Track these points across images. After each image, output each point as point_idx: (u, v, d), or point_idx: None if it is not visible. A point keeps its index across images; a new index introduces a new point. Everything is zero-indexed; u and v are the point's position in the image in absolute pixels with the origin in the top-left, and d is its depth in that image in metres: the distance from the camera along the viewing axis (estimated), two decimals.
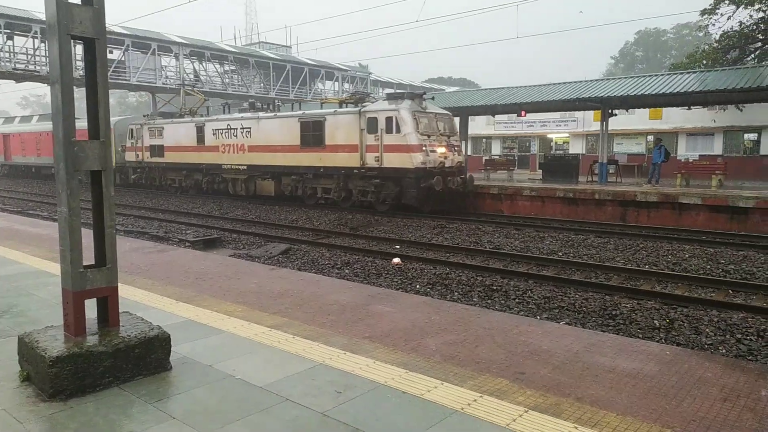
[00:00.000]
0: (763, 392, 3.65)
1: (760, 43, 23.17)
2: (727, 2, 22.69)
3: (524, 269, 9.91)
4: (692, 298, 7.89)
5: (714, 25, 24.26)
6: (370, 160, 17.43)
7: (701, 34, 33.73)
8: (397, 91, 18.91)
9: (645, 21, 69.09)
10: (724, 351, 6.06)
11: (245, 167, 21.52)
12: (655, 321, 6.99)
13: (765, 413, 3.34)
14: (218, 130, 22.58)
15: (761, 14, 22.09)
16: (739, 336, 6.44)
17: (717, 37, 24.62)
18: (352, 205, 18.65)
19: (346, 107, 19.01)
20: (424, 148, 16.70)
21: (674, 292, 8.29)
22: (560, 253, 11.27)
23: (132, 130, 27.41)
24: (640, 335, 6.53)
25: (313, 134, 18.89)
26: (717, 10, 23.20)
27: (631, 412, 3.33)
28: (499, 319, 5.40)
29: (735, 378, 3.87)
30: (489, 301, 8.01)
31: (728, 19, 23.20)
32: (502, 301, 8.01)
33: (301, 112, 19.77)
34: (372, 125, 17.34)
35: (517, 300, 8.06)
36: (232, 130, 21.90)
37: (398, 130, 16.75)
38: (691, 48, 31.02)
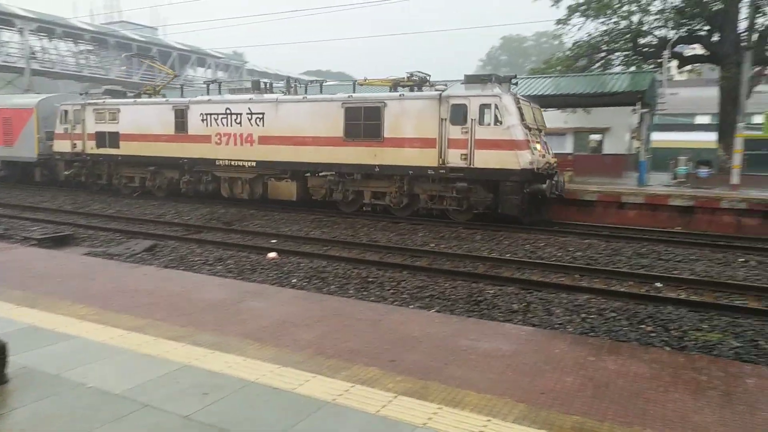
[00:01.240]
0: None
1: (604, 53, 25.99)
2: (578, 14, 25.14)
3: (399, 260, 10.23)
4: (546, 283, 8.65)
5: (567, 34, 26.77)
6: (454, 158, 13.89)
7: (556, 42, 37.07)
8: (481, 75, 14.79)
9: (510, 27, 74.53)
10: (571, 329, 6.73)
11: (253, 164, 16.82)
12: (514, 305, 7.57)
13: (602, 381, 3.76)
14: (211, 115, 17.51)
15: (605, 27, 24.79)
16: (583, 315, 7.19)
17: (570, 46, 27.20)
18: (414, 214, 15.21)
19: (397, 91, 15.29)
20: (530, 145, 13.62)
21: (531, 278, 9.05)
22: (432, 245, 11.78)
23: (65, 112, 20.92)
24: (501, 318, 7.03)
25: (365, 124, 14.99)
26: (569, 21, 25.61)
27: (489, 390, 3.57)
28: (374, 310, 5.52)
29: (578, 352, 4.31)
30: (365, 293, 8.14)
31: (578, 29, 25.72)
32: (378, 293, 8.18)
33: (345, 95, 15.76)
34: (458, 114, 13.86)
35: (392, 290, 8.28)
36: (234, 116, 17.02)
37: (497, 122, 13.51)
38: (548, 55, 33.97)
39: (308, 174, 16.45)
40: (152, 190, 19.54)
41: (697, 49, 23.36)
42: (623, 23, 22.51)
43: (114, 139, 19.71)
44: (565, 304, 7.57)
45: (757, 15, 20.66)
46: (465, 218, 14.43)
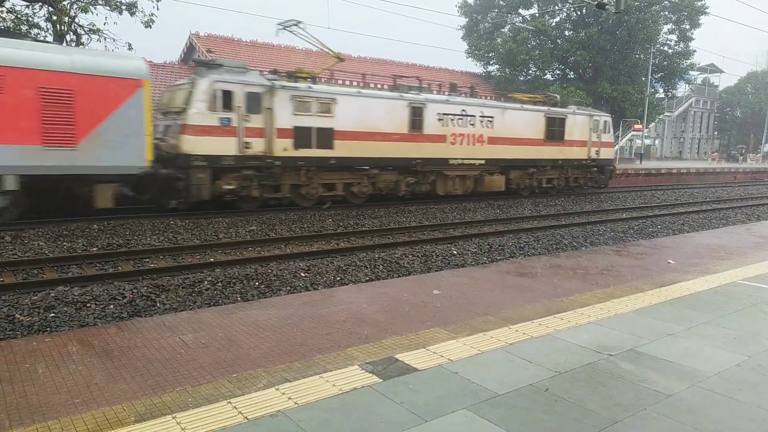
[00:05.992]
0: None
1: None
2: None
3: None
4: None
5: None
6: (593, 153, 22.95)
7: None
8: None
9: None
10: None
11: (482, 162, 19.54)
12: None
13: None
14: (447, 115, 18.42)
15: None
16: None
17: None
18: (557, 192, 22.80)
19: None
20: None
21: None
22: None
23: (226, 94, 13.78)
24: None
25: (558, 129, 21.67)
26: None
27: None
28: None
29: None
30: None
31: None
32: None
33: (546, 107, 21.78)
34: (596, 126, 22.95)
35: None
36: (469, 119, 19.07)
37: (607, 131, 23.57)
38: None
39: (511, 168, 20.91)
40: (349, 197, 16.78)
41: None
42: None
43: (326, 137, 15.70)
44: None
45: None
46: (577, 191, 23.31)
